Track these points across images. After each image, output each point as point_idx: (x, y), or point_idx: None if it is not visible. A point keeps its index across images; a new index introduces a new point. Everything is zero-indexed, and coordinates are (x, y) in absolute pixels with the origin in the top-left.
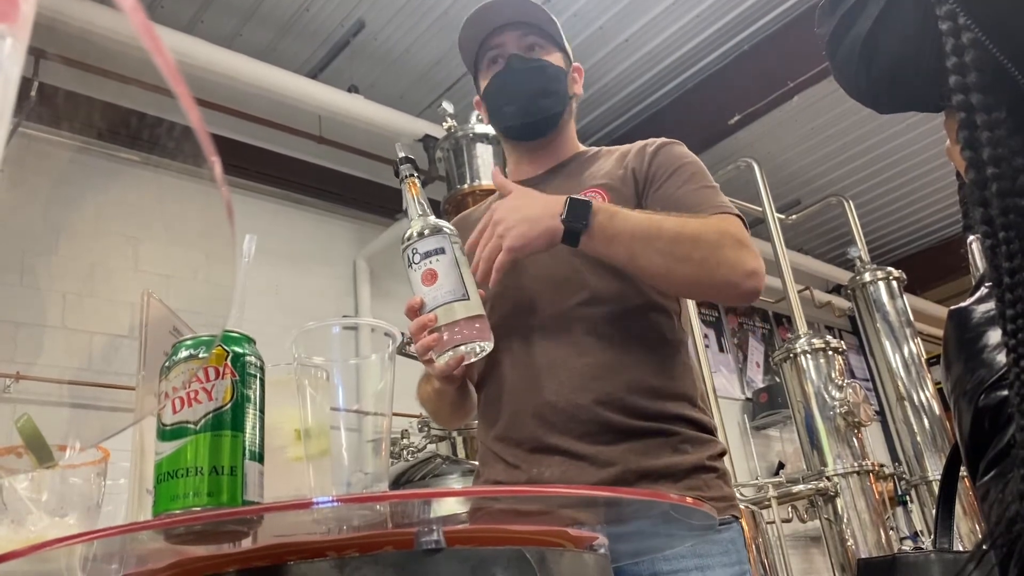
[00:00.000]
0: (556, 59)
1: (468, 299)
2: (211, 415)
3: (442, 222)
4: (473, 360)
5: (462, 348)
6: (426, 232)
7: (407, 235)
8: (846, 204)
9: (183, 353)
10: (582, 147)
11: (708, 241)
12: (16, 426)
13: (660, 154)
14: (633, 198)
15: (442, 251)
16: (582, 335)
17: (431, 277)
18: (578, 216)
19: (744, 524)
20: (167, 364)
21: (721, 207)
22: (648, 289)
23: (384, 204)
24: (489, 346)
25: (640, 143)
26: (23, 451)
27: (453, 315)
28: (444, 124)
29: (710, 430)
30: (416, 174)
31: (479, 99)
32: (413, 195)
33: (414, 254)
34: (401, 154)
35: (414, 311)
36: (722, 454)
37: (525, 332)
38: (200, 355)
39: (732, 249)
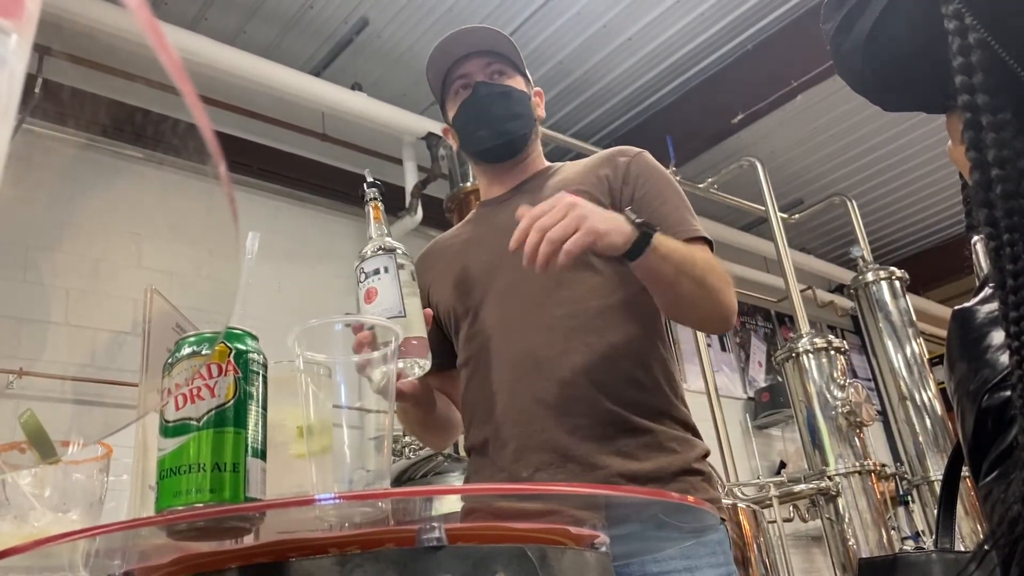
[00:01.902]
0: (519, 84)
1: (404, 316)
2: (214, 412)
3: (393, 243)
4: (411, 377)
5: (400, 364)
6: (374, 252)
7: (359, 255)
8: (849, 203)
9: (186, 350)
10: (547, 163)
11: (721, 278)
12: (19, 422)
13: (635, 163)
14: (604, 206)
15: (385, 270)
16: (565, 333)
17: (371, 295)
18: (644, 225)
19: (745, 523)
20: (170, 361)
21: (698, 232)
22: (622, 286)
23: (387, 202)
24: (427, 364)
25: (607, 152)
26: (26, 447)
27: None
28: None
29: (693, 428)
30: (379, 199)
31: (448, 127)
32: (373, 217)
33: (360, 273)
34: (369, 179)
35: (358, 330)
36: (706, 455)
37: (507, 337)
38: (203, 352)
39: (730, 288)
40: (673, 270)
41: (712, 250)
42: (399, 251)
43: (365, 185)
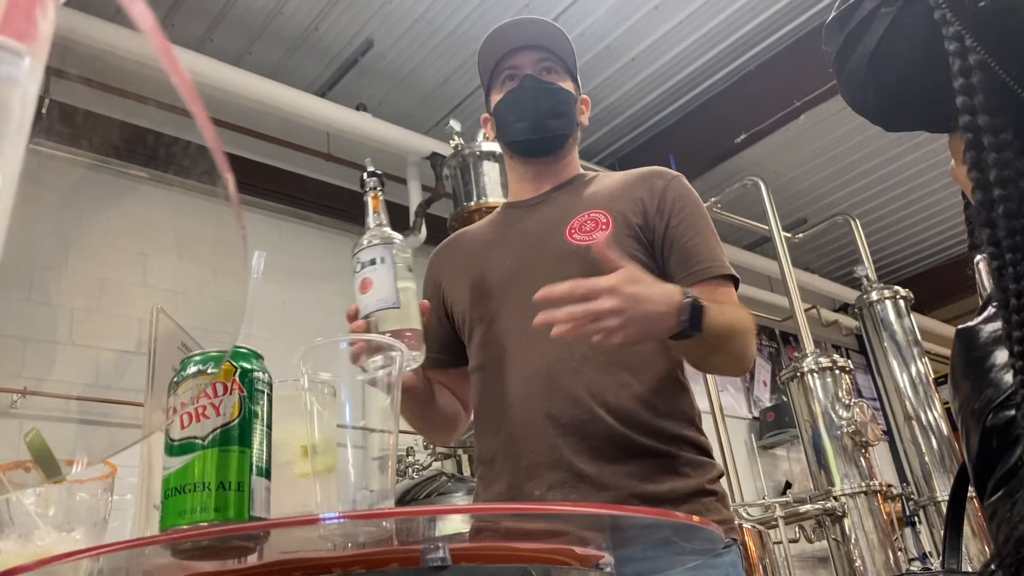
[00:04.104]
0: (568, 86)
1: (398, 308)
2: (219, 430)
3: (391, 233)
4: (404, 370)
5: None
6: (370, 242)
7: (356, 244)
8: (853, 223)
9: (192, 368)
10: (580, 171)
11: (748, 334)
12: (25, 441)
13: (671, 189)
14: (637, 226)
15: (381, 260)
16: (581, 352)
17: (367, 285)
18: (695, 323)
19: (751, 544)
20: (176, 379)
21: (727, 270)
22: None
23: (391, 221)
24: (420, 357)
25: (644, 172)
26: (31, 466)
27: (383, 324)
28: (451, 142)
29: (708, 452)
30: (380, 188)
31: (487, 116)
32: (372, 207)
33: (356, 263)
34: (369, 168)
35: (351, 318)
36: (720, 476)
37: (524, 349)
38: (208, 370)
39: (753, 342)
40: (707, 348)
41: (737, 287)
42: (396, 241)
43: (365, 174)
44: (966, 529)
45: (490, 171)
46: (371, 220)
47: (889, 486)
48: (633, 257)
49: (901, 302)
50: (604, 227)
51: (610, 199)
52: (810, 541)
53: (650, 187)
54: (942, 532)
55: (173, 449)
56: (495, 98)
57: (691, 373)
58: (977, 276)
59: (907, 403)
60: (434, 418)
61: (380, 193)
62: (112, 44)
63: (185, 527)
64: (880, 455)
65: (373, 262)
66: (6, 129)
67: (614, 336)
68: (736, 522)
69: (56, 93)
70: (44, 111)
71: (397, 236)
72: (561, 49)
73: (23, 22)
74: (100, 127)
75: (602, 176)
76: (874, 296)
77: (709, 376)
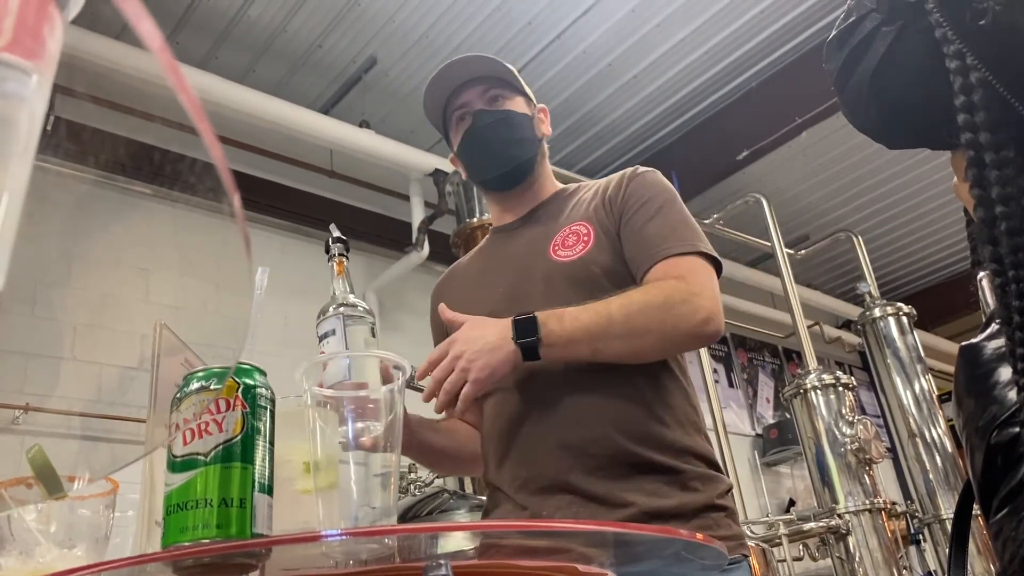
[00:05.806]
0: (519, 105)
1: (349, 379)
2: (221, 447)
3: (348, 300)
4: (364, 439)
5: (358, 425)
6: (325, 312)
7: (319, 313)
8: (855, 239)
9: (194, 385)
10: (560, 185)
11: (657, 306)
12: (27, 457)
13: (633, 184)
14: (616, 233)
15: (332, 333)
16: (586, 371)
17: None
18: (526, 332)
19: (755, 562)
20: (178, 395)
21: (686, 243)
22: None
23: (394, 238)
24: (380, 427)
25: (617, 175)
26: (33, 482)
27: None
28: None
29: (716, 465)
30: (345, 254)
31: (455, 156)
32: (336, 273)
33: (317, 335)
34: (335, 233)
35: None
36: (728, 491)
37: (525, 372)
38: (211, 387)
39: (683, 304)
40: (587, 347)
41: (716, 265)
42: (357, 308)
43: (330, 240)
44: (971, 547)
45: None
46: (335, 287)
47: (893, 504)
48: (613, 271)
49: (904, 319)
50: (586, 239)
51: (587, 209)
52: (814, 559)
53: (619, 187)
54: (947, 550)
55: (175, 465)
56: (455, 140)
57: (695, 389)
58: (980, 293)
59: (911, 420)
60: (428, 458)
61: (345, 260)
62: (117, 62)
63: (187, 544)
64: (884, 472)
65: (326, 336)
66: (13, 147)
67: (469, 375)
68: (745, 538)
69: (61, 110)
70: (49, 127)
71: (360, 304)
72: (500, 72)
73: (31, 41)
74: (105, 143)
75: (582, 186)
76: (877, 313)
77: (712, 393)
